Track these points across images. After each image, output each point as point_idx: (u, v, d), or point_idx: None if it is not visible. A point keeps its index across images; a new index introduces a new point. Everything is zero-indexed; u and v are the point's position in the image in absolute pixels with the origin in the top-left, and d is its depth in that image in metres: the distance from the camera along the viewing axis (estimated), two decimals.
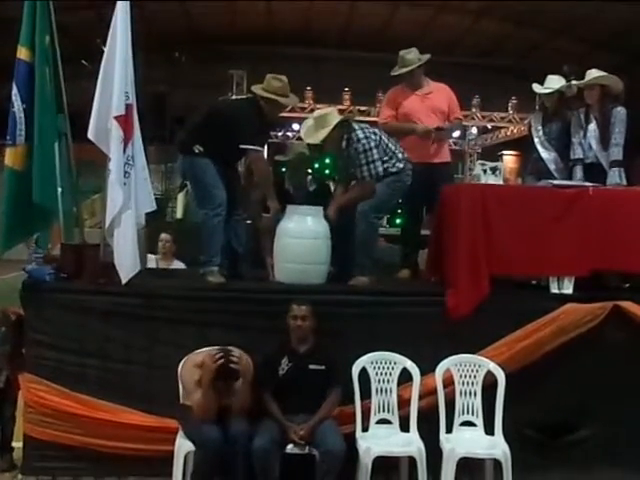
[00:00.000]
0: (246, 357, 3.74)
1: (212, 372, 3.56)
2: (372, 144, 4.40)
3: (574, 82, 4.85)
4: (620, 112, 4.65)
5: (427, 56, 5.08)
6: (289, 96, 4.58)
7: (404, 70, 5.04)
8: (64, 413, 3.93)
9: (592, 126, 4.69)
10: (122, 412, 3.95)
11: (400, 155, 4.53)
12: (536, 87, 5.00)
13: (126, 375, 4.04)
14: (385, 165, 4.44)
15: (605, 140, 4.63)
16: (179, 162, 4.74)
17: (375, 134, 4.48)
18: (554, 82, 4.93)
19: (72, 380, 4.00)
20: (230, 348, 3.67)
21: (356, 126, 4.47)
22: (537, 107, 5.26)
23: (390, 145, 4.52)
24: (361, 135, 4.41)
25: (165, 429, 3.85)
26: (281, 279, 4.34)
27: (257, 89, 4.50)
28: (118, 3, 4.10)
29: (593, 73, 4.74)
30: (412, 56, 5.04)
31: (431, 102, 5.11)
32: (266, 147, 5.15)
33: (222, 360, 3.56)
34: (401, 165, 4.51)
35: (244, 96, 4.47)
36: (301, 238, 4.28)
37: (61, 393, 3.96)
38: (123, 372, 4.04)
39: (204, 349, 3.82)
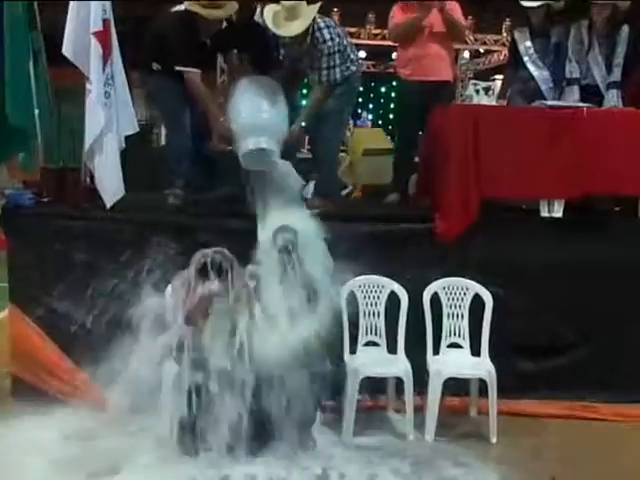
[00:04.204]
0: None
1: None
2: (336, 48, 4.18)
3: None
4: (624, 31, 4.48)
5: None
6: (222, 7, 4.10)
7: None
8: (38, 353, 3.93)
9: (595, 45, 4.53)
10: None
11: (353, 57, 4.36)
12: (524, 1, 4.80)
13: (110, 304, 3.95)
14: (342, 69, 4.26)
15: (609, 61, 4.48)
16: (142, 82, 4.49)
17: (339, 36, 4.25)
18: None
19: (51, 314, 3.97)
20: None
21: (321, 22, 4.18)
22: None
23: (347, 47, 4.32)
24: (327, 36, 4.15)
25: None
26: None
27: (187, 2, 4.12)
28: None
29: None
30: None
31: (434, 13, 4.86)
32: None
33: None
34: (354, 68, 4.35)
35: (182, 7, 4.17)
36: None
37: (38, 336, 3.94)
38: (107, 301, 3.95)
39: None
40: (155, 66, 4.24)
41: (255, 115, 4.04)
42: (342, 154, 8.46)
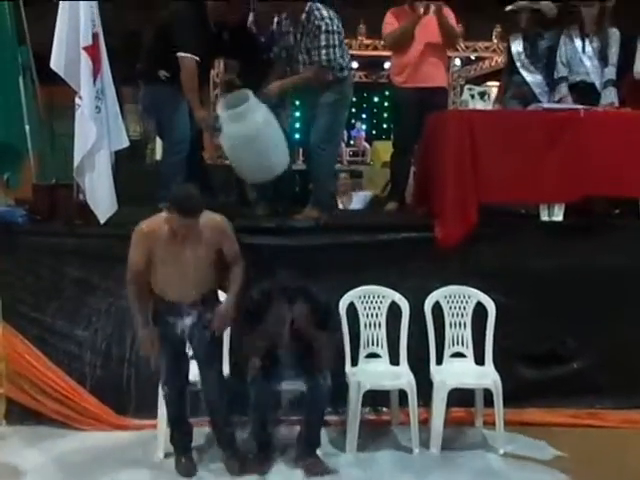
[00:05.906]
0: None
1: None
2: (335, 27, 4.04)
3: None
4: (615, 33, 4.56)
5: None
6: None
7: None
8: (32, 372, 3.83)
9: (588, 44, 4.53)
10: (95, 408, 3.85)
11: (347, 58, 4.25)
12: (508, 7, 4.82)
13: (105, 323, 3.93)
14: (342, 54, 4.09)
15: (603, 60, 4.49)
16: (141, 94, 4.31)
17: (338, 19, 4.12)
18: None
19: (46, 333, 3.90)
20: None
21: (318, 4, 4.07)
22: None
23: (343, 42, 4.19)
24: (325, 14, 4.03)
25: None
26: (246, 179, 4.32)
27: None
28: None
29: None
30: None
31: (428, 21, 4.82)
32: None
33: None
34: (345, 73, 4.24)
35: None
36: (241, 139, 3.91)
37: (34, 355, 3.84)
38: (100, 318, 3.93)
39: None
40: (162, 74, 4.07)
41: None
42: (364, 166, 8.66)
